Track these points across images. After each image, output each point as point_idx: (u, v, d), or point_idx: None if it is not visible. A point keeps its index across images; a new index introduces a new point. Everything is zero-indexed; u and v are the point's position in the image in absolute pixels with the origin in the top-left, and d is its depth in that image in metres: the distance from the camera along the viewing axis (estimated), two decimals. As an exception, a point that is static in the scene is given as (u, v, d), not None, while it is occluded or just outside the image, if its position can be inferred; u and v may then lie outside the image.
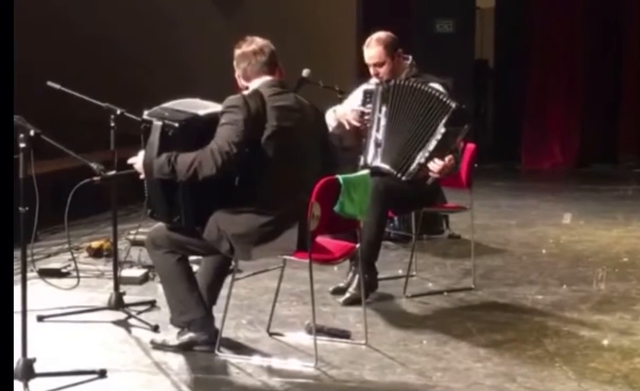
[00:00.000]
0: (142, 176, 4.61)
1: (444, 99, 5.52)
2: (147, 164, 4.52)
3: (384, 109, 5.68)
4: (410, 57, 5.84)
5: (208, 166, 4.36)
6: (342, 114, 5.80)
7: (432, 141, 5.50)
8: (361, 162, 5.70)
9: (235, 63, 4.72)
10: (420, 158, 5.52)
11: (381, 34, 5.78)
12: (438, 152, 5.52)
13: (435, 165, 5.52)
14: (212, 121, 4.50)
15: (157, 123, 4.51)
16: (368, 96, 5.76)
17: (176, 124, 4.48)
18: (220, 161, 4.35)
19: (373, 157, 5.67)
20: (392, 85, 5.66)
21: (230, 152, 4.37)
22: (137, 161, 4.59)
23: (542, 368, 4.52)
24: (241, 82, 4.72)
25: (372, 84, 5.83)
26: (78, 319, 5.22)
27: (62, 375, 4.23)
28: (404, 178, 5.56)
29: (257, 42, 4.70)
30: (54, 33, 9.68)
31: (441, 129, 5.48)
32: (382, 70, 5.72)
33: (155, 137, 4.50)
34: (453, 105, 5.48)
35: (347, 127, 5.75)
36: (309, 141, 4.66)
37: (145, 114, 4.62)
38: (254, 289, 5.89)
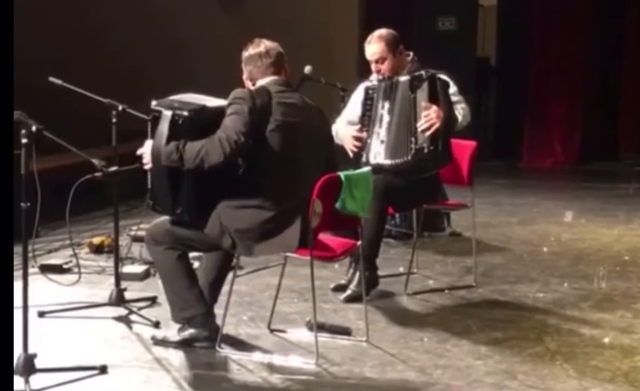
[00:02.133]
0: (147, 166, 4.62)
1: (418, 74, 5.52)
2: (155, 152, 4.55)
3: (386, 105, 5.67)
4: (412, 54, 5.83)
5: (216, 154, 4.38)
6: (342, 136, 5.77)
7: (417, 117, 5.45)
8: (363, 159, 5.69)
9: (242, 65, 4.75)
10: (414, 143, 5.46)
11: (382, 31, 5.78)
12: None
13: (423, 124, 5.42)
14: (218, 113, 4.53)
15: (167, 113, 4.55)
16: (370, 92, 5.76)
17: (186, 113, 4.53)
18: (228, 149, 4.37)
19: (376, 154, 5.66)
20: (394, 81, 5.66)
21: (238, 141, 4.38)
22: (145, 150, 4.62)
23: (542, 366, 4.52)
24: (248, 84, 4.75)
25: (373, 80, 5.82)
26: (79, 315, 5.22)
27: (62, 370, 4.23)
28: (409, 158, 5.48)
29: (264, 44, 4.71)
30: (56, 29, 9.67)
31: (419, 102, 5.44)
32: (384, 66, 5.71)
33: (164, 126, 4.54)
34: (424, 74, 5.47)
35: (350, 154, 5.74)
36: (312, 140, 4.67)
37: (154, 105, 4.67)
38: (255, 285, 5.90)
